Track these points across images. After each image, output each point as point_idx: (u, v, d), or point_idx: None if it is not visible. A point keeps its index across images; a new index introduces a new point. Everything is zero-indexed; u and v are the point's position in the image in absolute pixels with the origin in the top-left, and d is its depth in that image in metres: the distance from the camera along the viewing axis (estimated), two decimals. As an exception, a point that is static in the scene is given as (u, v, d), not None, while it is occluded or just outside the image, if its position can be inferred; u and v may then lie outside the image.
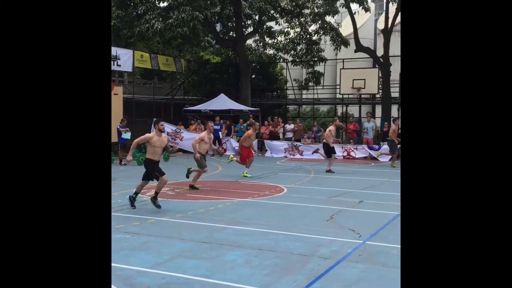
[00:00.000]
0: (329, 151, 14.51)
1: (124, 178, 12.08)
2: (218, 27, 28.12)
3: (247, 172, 13.09)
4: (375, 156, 18.02)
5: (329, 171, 14.15)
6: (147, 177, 8.41)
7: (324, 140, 14.85)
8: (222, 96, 22.09)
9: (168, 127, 18.66)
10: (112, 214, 7.45)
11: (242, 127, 20.31)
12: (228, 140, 20.26)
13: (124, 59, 18.73)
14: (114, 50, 18.41)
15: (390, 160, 16.50)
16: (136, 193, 8.41)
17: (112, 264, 4.67)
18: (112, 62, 18.04)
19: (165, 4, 22.06)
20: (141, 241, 6.09)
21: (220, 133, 19.12)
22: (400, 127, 16.24)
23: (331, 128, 14.64)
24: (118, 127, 16.06)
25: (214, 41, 28.46)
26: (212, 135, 11.24)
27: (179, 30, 20.25)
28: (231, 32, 27.47)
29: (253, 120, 18.89)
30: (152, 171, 8.25)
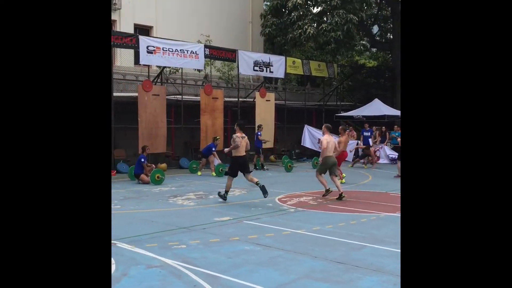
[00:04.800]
0: None
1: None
2: (374, 29, 27.01)
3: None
4: None
5: None
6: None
7: None
8: (377, 101, 21.13)
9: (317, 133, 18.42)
10: (249, 222, 7.58)
11: (396, 134, 18.80)
12: (382, 147, 19.10)
13: (276, 65, 19.13)
14: (267, 57, 18.99)
15: None
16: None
17: (232, 279, 4.69)
18: (265, 68, 18.52)
19: (319, 9, 21.98)
20: (270, 255, 5.65)
21: (370, 140, 18.00)
22: None
23: None
24: (258, 133, 16.22)
25: (370, 45, 27.43)
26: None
27: (332, 35, 20.03)
28: (388, 34, 26.19)
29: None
30: None
